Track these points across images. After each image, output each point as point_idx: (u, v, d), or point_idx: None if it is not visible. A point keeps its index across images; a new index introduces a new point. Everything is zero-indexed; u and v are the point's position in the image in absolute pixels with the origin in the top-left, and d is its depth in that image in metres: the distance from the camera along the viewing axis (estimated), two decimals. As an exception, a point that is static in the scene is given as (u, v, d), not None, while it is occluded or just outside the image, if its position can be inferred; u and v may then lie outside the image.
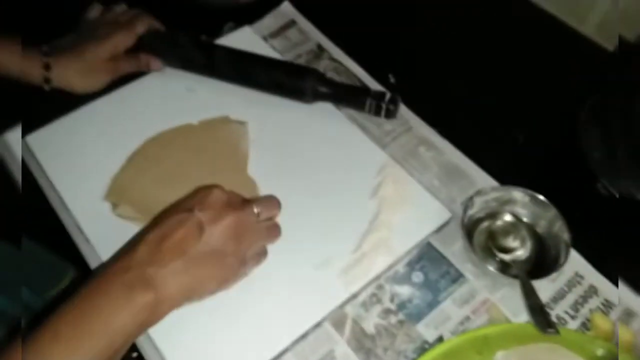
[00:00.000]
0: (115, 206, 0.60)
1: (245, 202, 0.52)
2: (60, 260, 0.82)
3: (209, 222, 0.48)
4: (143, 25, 0.70)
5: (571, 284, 0.59)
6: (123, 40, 0.69)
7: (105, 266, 0.47)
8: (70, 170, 0.63)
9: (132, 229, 0.58)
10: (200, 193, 0.50)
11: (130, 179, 0.61)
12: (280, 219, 0.59)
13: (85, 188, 0.62)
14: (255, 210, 0.52)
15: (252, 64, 0.68)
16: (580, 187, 0.66)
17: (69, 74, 0.66)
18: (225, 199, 0.50)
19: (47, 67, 0.65)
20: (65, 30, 0.71)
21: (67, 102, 0.68)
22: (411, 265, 0.59)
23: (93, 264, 0.59)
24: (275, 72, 0.67)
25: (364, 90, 0.66)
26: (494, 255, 0.59)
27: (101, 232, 0.59)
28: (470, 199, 0.60)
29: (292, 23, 0.79)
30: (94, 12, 0.73)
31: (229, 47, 0.69)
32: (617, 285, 0.58)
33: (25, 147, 0.65)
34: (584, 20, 0.78)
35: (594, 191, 0.65)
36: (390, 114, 0.65)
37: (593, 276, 0.59)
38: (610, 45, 0.76)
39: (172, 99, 0.69)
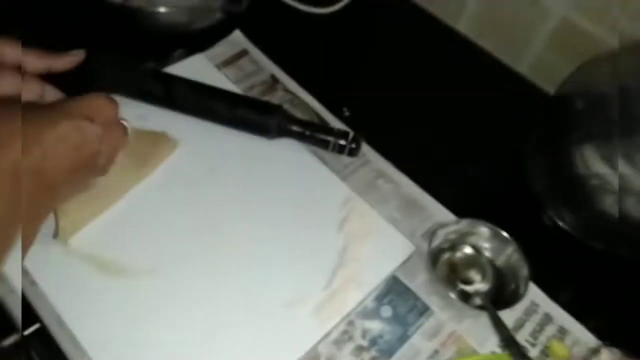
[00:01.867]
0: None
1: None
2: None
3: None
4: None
5: (528, 313, 0.61)
6: None
7: None
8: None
9: (85, 269, 0.54)
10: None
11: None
12: (246, 256, 0.58)
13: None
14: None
15: (214, 99, 0.65)
16: (528, 218, 0.69)
17: None
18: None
19: None
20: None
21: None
22: (379, 300, 0.59)
23: (39, 307, 0.53)
24: (239, 108, 0.65)
25: (328, 129, 0.66)
26: (455, 287, 0.61)
27: (50, 272, 0.54)
28: (434, 232, 0.61)
29: (244, 52, 0.77)
30: None
31: (189, 80, 0.66)
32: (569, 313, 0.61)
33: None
34: (519, 60, 0.84)
35: (541, 222, 0.69)
36: (353, 153, 0.66)
37: (547, 304, 0.62)
38: (544, 84, 0.82)
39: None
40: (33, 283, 0.54)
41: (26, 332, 0.54)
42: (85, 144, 0.46)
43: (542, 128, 0.72)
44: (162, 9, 0.71)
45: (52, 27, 0.73)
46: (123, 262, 0.55)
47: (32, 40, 0.67)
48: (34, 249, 0.55)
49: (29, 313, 0.54)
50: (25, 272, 0.54)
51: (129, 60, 0.67)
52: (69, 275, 0.54)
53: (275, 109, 0.66)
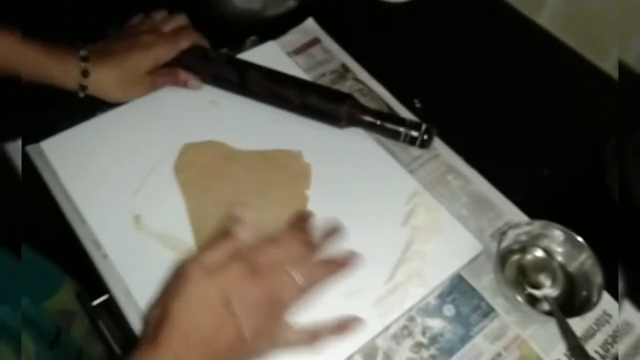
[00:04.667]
0: None
1: None
2: (55, 270, 0.78)
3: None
4: (188, 41, 0.66)
5: (600, 323, 0.58)
6: (166, 53, 0.65)
7: None
8: (88, 181, 0.60)
9: (154, 246, 0.56)
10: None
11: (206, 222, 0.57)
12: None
13: (104, 200, 0.59)
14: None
15: (285, 85, 0.65)
16: (604, 223, 0.65)
17: (106, 83, 0.62)
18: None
19: (85, 73, 0.61)
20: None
21: (85, 108, 0.65)
22: (442, 298, 0.58)
23: (109, 279, 0.55)
24: (311, 95, 0.65)
25: (400, 119, 0.65)
26: (522, 290, 0.58)
27: (121, 247, 0.56)
28: (504, 232, 0.59)
29: (316, 40, 0.77)
30: (137, 19, 0.69)
31: (262, 66, 0.66)
32: None
33: (40, 154, 0.61)
34: (604, 57, 0.79)
35: (617, 228, 0.65)
36: (425, 145, 0.64)
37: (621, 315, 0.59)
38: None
39: (195, 111, 0.66)
40: (105, 256, 0.56)
41: (95, 303, 0.57)
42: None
43: (626, 129, 0.68)
44: (237, -4, 0.72)
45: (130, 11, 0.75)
46: (191, 241, 0.56)
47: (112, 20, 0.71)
48: (108, 224, 0.57)
49: (99, 285, 0.56)
50: (98, 246, 0.56)
51: (203, 47, 0.68)
52: (139, 250, 0.56)
53: (347, 98, 0.65)
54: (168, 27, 0.67)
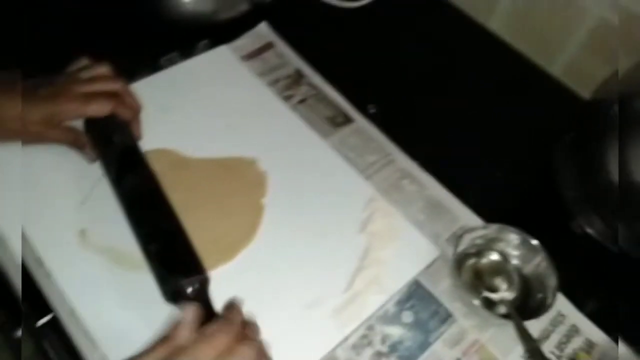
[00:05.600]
0: None
1: None
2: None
3: None
4: (100, 108, 0.57)
5: (555, 324, 0.59)
6: (65, 113, 0.57)
7: None
8: (29, 192, 0.56)
9: (101, 261, 0.53)
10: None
11: None
12: (267, 255, 0.56)
13: (46, 213, 0.55)
14: None
15: (143, 216, 0.54)
16: (557, 225, 0.67)
17: None
18: None
19: None
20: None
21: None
22: (401, 305, 0.57)
23: (53, 298, 0.52)
24: (152, 246, 0.51)
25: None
26: (479, 294, 0.59)
27: (65, 264, 0.53)
28: (460, 236, 0.59)
29: (269, 45, 0.76)
30: (80, 63, 0.60)
31: (149, 182, 0.55)
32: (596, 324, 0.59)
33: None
34: (552, 61, 0.81)
35: (570, 229, 0.67)
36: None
37: (574, 316, 0.60)
38: (578, 87, 0.79)
39: (142, 117, 0.64)
40: (48, 275, 0.53)
41: (39, 323, 0.54)
42: None
43: (575, 133, 0.69)
44: (187, -2, 0.70)
45: (78, 13, 0.72)
46: (139, 256, 0.54)
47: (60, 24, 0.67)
48: (51, 239, 0.54)
49: (43, 304, 0.53)
50: (40, 264, 0.53)
51: (116, 123, 0.59)
52: (84, 267, 0.53)
53: (199, 279, 0.48)
54: (97, 87, 0.58)
